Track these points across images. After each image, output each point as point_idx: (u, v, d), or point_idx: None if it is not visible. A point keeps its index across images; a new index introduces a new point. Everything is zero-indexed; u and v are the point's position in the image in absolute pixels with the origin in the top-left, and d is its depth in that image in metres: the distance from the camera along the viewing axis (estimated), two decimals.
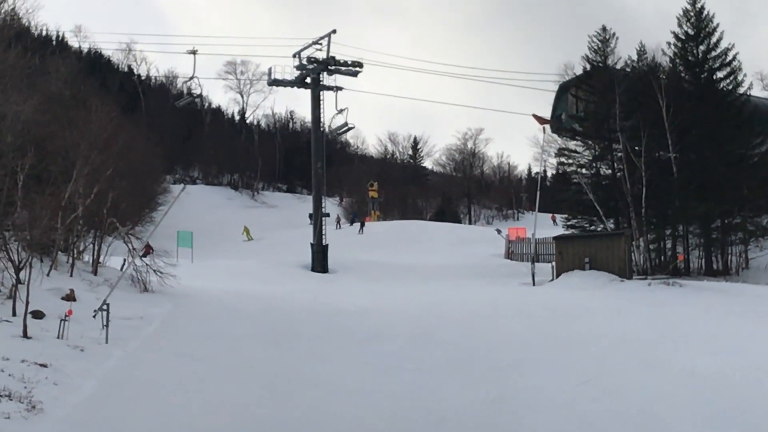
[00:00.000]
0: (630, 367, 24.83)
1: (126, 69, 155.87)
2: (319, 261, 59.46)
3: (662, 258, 64.60)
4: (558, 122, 72.98)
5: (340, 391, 21.37)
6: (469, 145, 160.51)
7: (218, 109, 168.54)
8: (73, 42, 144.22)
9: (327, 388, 21.56)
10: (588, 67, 69.59)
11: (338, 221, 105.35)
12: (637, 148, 62.24)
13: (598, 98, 66.28)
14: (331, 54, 62.83)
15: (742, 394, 21.61)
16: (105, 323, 23.96)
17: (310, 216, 63.93)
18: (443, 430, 18.59)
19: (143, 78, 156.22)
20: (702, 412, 20.16)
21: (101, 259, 38.02)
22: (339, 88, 62.94)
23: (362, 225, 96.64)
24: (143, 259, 36.17)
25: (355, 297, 41.61)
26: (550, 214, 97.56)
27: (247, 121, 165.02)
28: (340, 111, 62.44)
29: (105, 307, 24.41)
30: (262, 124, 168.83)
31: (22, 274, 24.76)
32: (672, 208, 62.26)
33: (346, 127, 64.42)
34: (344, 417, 18.95)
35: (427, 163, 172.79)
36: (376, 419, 18.95)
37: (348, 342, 28.47)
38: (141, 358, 22.70)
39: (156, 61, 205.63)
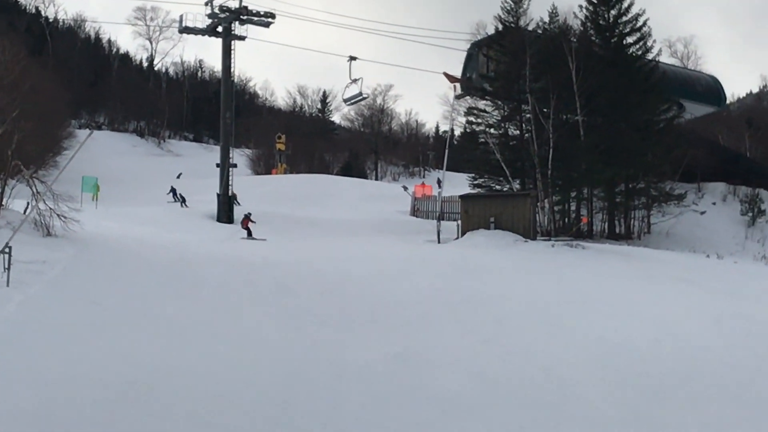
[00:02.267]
0: (533, 328, 25.08)
1: (34, 11, 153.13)
2: (225, 212, 59.01)
3: (566, 220, 65.31)
4: (468, 81, 73.09)
5: (244, 343, 21.29)
6: (379, 101, 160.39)
7: (126, 55, 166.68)
8: None
9: (231, 339, 21.46)
10: (500, 27, 69.71)
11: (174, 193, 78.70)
12: (545, 110, 62.58)
13: (509, 59, 66.39)
14: (243, 4, 62.19)
15: (642, 356, 22.00)
16: (6, 266, 23.57)
17: (217, 165, 63.21)
18: (345, 384, 18.61)
19: (51, 20, 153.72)
20: (602, 373, 20.49)
21: (4, 202, 37.39)
22: (353, 58, 61.70)
23: (183, 200, 74.04)
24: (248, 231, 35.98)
25: (261, 249, 41.44)
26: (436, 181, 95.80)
27: (156, 69, 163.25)
28: (354, 80, 61.45)
29: (7, 249, 24.04)
30: (171, 72, 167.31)
31: None
32: (578, 171, 62.71)
33: (360, 97, 63.56)
34: (247, 368, 18.89)
35: (336, 118, 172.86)
36: (280, 372, 18.94)
37: (254, 294, 28.32)
38: (43, 302, 22.33)
39: (64, 4, 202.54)
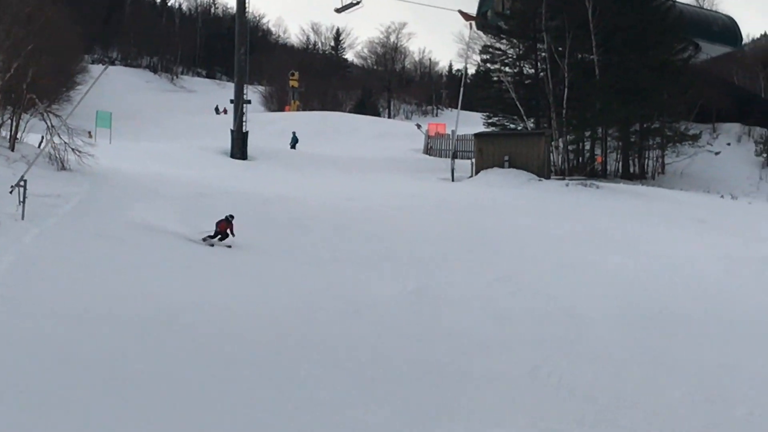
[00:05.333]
0: (547, 265, 25.13)
1: None
2: (239, 147, 58.70)
3: (580, 159, 65.02)
4: (484, 19, 72.67)
5: (257, 279, 21.37)
6: (392, 39, 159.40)
7: None
8: None
9: (247, 275, 21.57)
10: None
11: None
12: (561, 48, 62.11)
13: None
14: None
15: (658, 296, 21.97)
16: (21, 200, 23.58)
17: (231, 102, 62.88)
18: (362, 321, 18.66)
19: None
20: (617, 311, 20.46)
21: (19, 136, 37.36)
22: None
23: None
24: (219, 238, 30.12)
25: (274, 185, 41.34)
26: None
27: (169, 4, 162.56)
28: None
29: (22, 183, 24.05)
30: (184, 8, 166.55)
31: None
32: (592, 111, 62.42)
33: (352, 4, 62.22)
34: (261, 303, 18.95)
35: (349, 56, 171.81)
36: (297, 307, 18.99)
37: (270, 229, 28.35)
38: (58, 235, 22.42)
39: None
